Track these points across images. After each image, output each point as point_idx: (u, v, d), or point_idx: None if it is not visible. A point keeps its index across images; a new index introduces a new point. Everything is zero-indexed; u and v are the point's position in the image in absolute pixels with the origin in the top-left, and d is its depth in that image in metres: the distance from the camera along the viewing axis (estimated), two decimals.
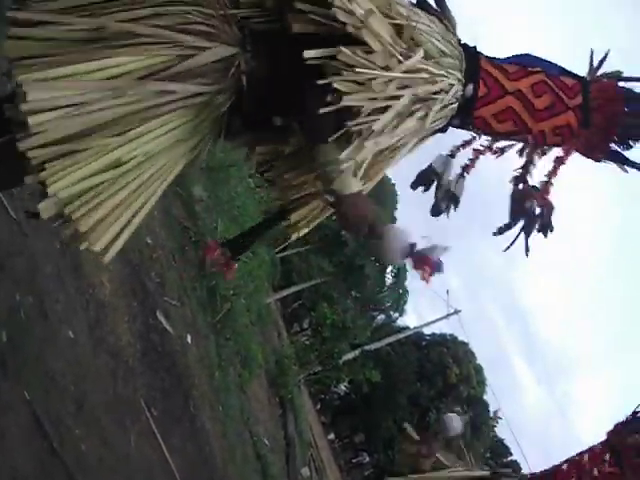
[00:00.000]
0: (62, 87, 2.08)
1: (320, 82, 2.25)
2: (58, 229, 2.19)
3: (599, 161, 2.97)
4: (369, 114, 2.33)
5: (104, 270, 5.38)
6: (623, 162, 2.92)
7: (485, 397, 39.30)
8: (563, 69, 2.91)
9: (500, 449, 42.33)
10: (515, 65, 2.82)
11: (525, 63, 2.85)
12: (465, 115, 2.73)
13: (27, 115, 2.00)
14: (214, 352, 9.43)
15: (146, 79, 2.20)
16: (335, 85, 2.25)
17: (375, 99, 2.33)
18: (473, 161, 3.02)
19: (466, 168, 3.01)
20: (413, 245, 2.55)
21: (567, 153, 2.90)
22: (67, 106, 2.07)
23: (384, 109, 2.36)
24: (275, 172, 2.88)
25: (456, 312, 35.56)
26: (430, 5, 2.70)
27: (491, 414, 38.74)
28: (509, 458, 40.75)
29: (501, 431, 42.15)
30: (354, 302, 34.29)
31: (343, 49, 2.25)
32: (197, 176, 10.82)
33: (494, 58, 2.83)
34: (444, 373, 36.88)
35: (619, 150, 2.90)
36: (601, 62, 2.95)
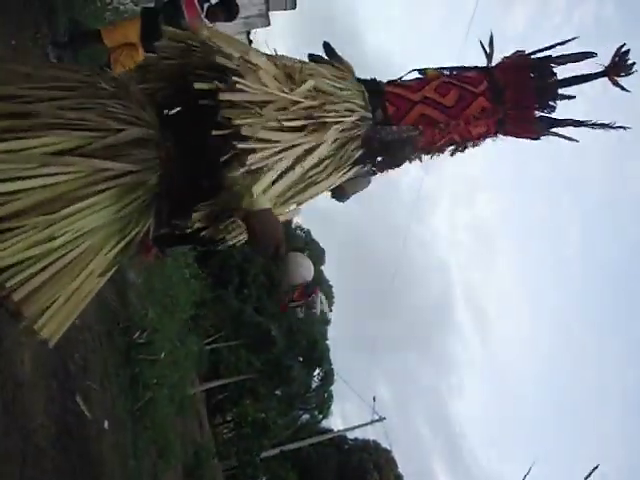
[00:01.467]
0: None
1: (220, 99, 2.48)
2: None
3: (538, 138, 3.14)
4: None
5: (26, 348, 5.33)
6: (555, 125, 3.08)
7: None
8: (464, 67, 3.16)
9: None
10: (416, 79, 3.06)
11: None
12: None
13: None
14: (130, 440, 9.23)
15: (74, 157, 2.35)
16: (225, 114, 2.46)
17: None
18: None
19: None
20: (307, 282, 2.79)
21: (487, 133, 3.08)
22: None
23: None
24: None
25: (381, 419, 35.47)
26: (321, 57, 3.00)
27: None
28: None
29: None
30: (279, 400, 33.85)
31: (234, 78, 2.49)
32: (132, 260, 10.80)
33: (396, 80, 3.06)
34: (364, 479, 36.30)
35: (546, 115, 3.09)
36: (491, 45, 3.18)
